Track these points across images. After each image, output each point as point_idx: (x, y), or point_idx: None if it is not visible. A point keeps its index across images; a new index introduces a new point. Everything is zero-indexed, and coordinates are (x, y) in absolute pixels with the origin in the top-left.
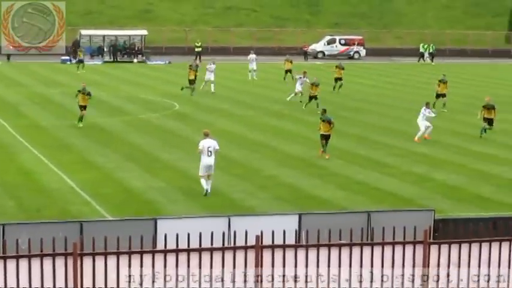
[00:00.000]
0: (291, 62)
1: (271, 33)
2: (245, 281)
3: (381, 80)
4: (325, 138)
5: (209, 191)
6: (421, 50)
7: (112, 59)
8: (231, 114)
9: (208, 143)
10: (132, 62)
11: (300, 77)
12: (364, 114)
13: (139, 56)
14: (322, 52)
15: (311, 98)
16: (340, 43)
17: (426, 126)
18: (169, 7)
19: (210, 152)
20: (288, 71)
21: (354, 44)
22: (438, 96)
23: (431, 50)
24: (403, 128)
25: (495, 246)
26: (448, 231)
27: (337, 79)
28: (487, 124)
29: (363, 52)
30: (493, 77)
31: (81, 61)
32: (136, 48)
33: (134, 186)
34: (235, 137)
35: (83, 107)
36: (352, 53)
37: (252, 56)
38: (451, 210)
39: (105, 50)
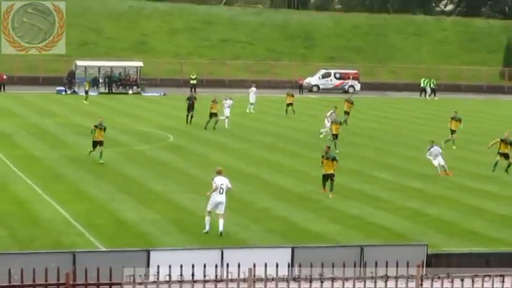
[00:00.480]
0: (293, 95)
1: (267, 66)
2: None
3: (376, 115)
4: (329, 177)
5: (221, 229)
6: (422, 85)
7: (107, 91)
8: (225, 147)
9: (221, 181)
10: (127, 93)
11: (331, 112)
12: (359, 148)
13: (135, 87)
14: (317, 86)
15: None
16: (335, 77)
17: (440, 164)
18: (164, 39)
19: (222, 189)
20: (289, 104)
21: (348, 78)
22: (453, 132)
23: (432, 85)
24: (397, 162)
25: (488, 281)
26: (441, 266)
27: (346, 113)
28: (502, 158)
29: (357, 86)
30: (488, 112)
31: (87, 92)
32: (131, 80)
33: (127, 217)
34: (229, 169)
35: (99, 143)
36: (347, 87)
37: (253, 89)
38: (444, 245)
39: (100, 81)
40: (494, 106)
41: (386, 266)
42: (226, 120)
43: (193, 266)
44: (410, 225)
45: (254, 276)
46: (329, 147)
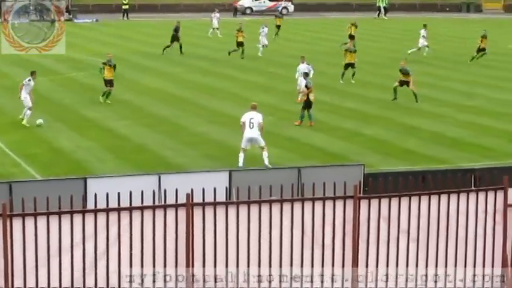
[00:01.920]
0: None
1: None
2: (176, 237)
3: (310, 36)
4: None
5: (266, 163)
6: (378, 3)
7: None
8: (159, 72)
9: (250, 115)
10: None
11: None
12: (293, 70)
13: (66, 14)
14: (250, 8)
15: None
16: None
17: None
18: None
19: (252, 123)
20: (278, 26)
21: (282, 0)
22: (479, 51)
23: (385, 4)
24: (331, 83)
25: (424, 199)
26: (378, 186)
27: (348, 65)
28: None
29: (291, 8)
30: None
31: None
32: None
33: (63, 145)
34: (163, 94)
35: (109, 82)
36: (280, 9)
37: (216, 14)
38: (381, 165)
39: (31, 8)
40: (427, 24)
41: (324, 187)
42: (261, 48)
43: (130, 193)
44: (347, 145)
45: (192, 201)
46: (307, 74)
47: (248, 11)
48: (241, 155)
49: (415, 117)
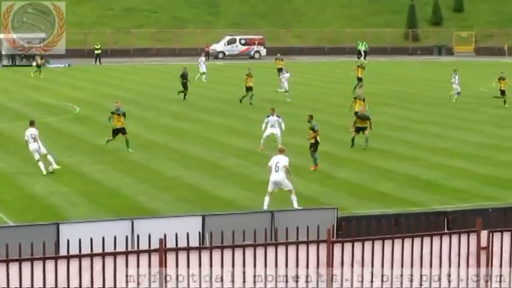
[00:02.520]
0: (282, 60)
1: (172, 34)
2: (149, 283)
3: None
4: (361, 129)
5: (295, 205)
6: (358, 47)
7: (11, 63)
8: (131, 116)
9: (277, 159)
10: (31, 65)
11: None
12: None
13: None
14: (223, 52)
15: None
16: (240, 43)
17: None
18: (67, 10)
19: (278, 167)
20: (280, 69)
21: (254, 44)
22: (503, 92)
23: (364, 48)
24: (304, 126)
25: (398, 243)
26: (351, 229)
27: (359, 79)
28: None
29: (263, 52)
30: (392, 74)
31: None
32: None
33: (37, 191)
34: (136, 138)
35: (120, 130)
36: (252, 53)
37: (202, 58)
38: (354, 208)
39: (3, 53)
40: (399, 67)
41: (297, 231)
42: (287, 93)
43: (103, 239)
44: (320, 188)
45: (165, 246)
46: (311, 116)
47: (221, 55)
48: (267, 199)
49: (389, 160)
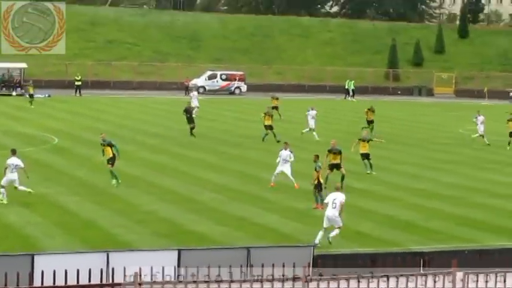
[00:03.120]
0: (277, 98)
1: (153, 67)
2: None
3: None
4: (335, 167)
5: (330, 237)
6: (347, 86)
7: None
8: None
9: (334, 196)
10: (10, 95)
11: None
12: (246, 149)
13: (18, 89)
14: (204, 87)
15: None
16: (221, 78)
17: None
18: None
19: (335, 204)
20: (275, 107)
21: (235, 79)
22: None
23: (353, 87)
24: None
25: (373, 282)
26: (327, 267)
27: (369, 122)
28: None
29: (244, 87)
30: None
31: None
32: (15, 81)
33: (12, 221)
34: (115, 171)
35: (111, 160)
36: (233, 88)
37: (195, 93)
38: (331, 246)
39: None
40: (380, 107)
41: (273, 268)
42: (315, 133)
43: (78, 271)
44: (298, 226)
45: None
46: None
47: (201, 90)
48: (320, 233)
49: (368, 199)
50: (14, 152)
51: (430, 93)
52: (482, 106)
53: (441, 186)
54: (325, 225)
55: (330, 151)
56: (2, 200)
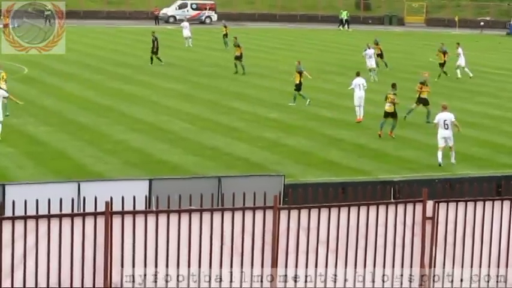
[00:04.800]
0: (225, 26)
1: None
2: (95, 246)
3: (232, 45)
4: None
5: (453, 161)
6: (341, 16)
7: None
8: (80, 79)
9: (444, 116)
10: None
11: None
12: (216, 79)
13: None
14: (174, 16)
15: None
16: (191, 7)
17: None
18: None
19: (447, 124)
20: (225, 35)
21: (205, 9)
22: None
23: (346, 17)
24: (253, 93)
25: (344, 211)
26: (298, 196)
27: (378, 55)
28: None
29: (214, 17)
30: (341, 42)
31: None
32: None
33: None
34: (84, 101)
35: None
36: (203, 18)
37: (185, 23)
38: (302, 175)
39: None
40: (350, 36)
41: (244, 197)
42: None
43: (49, 200)
44: (268, 155)
45: (111, 209)
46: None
47: (171, 20)
48: (439, 154)
49: (337, 128)
50: None
51: (400, 22)
52: (452, 35)
53: (413, 116)
54: (441, 145)
55: (422, 83)
56: None
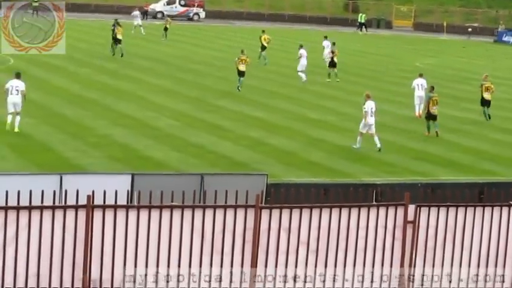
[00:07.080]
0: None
1: None
2: (75, 239)
3: (220, 43)
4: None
5: (379, 146)
6: (359, 20)
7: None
8: (66, 71)
9: (371, 104)
10: None
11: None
12: (203, 77)
13: None
14: (162, 12)
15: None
16: (180, 4)
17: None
18: None
19: (372, 112)
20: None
21: (193, 6)
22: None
23: (363, 20)
24: (239, 92)
25: (325, 212)
26: (280, 196)
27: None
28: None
29: (202, 14)
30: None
31: None
32: None
33: None
34: (69, 94)
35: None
36: (191, 15)
37: (136, 12)
38: (284, 175)
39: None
40: (337, 38)
41: (226, 195)
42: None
43: (30, 192)
44: (251, 154)
45: (92, 203)
46: (432, 87)
47: (159, 15)
48: (359, 139)
49: (321, 130)
50: (18, 76)
51: (388, 25)
52: (440, 40)
53: (396, 119)
54: (364, 131)
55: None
56: None
